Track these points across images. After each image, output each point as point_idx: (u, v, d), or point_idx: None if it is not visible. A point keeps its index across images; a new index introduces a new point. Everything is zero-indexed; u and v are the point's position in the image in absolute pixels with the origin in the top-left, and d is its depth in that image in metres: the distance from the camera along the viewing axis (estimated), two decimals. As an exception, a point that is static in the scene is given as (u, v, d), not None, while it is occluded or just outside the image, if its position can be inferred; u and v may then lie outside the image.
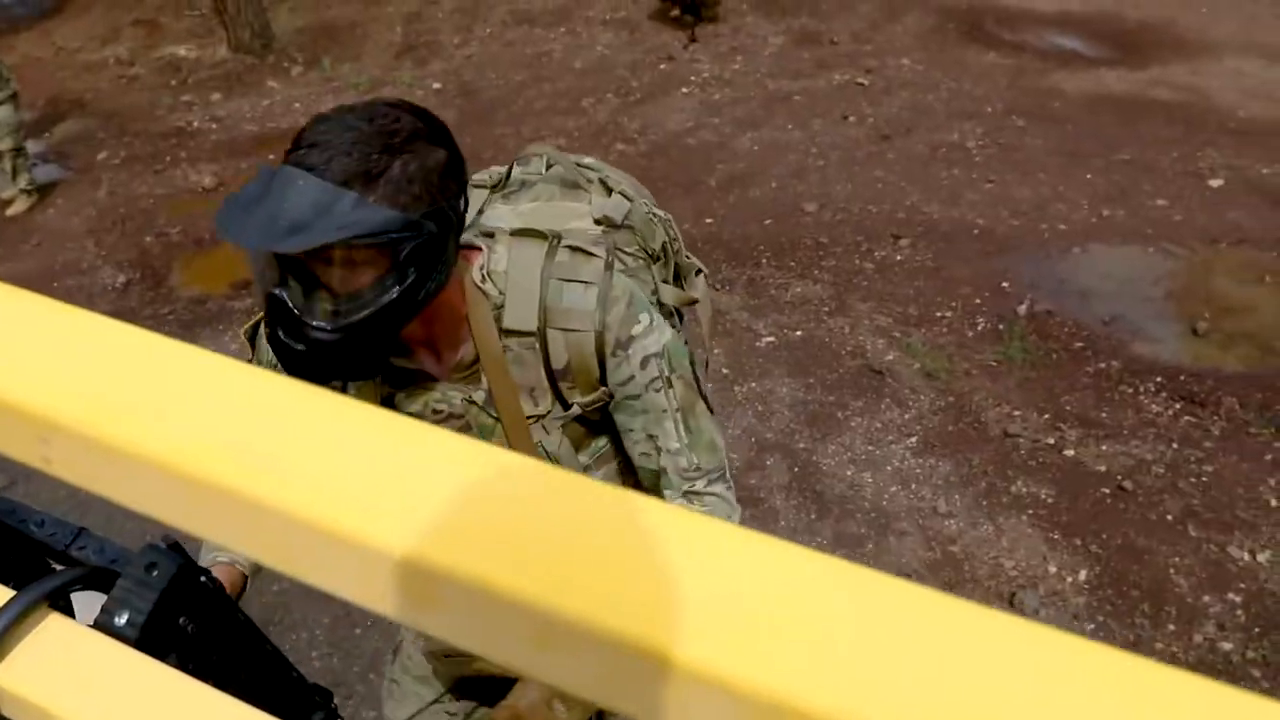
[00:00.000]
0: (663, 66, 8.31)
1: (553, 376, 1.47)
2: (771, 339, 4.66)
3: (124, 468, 0.35)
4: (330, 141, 1.19)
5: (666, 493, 1.56)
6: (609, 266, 1.47)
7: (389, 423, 0.36)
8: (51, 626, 0.56)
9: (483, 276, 1.44)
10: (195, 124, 7.91)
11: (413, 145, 1.22)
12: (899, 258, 5.30)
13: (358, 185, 1.18)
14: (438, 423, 1.49)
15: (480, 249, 1.48)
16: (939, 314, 4.79)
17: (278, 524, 0.33)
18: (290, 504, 0.33)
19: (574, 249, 1.48)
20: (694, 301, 1.78)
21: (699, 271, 1.83)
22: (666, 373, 1.50)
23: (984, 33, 8.56)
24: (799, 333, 4.70)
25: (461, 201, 1.30)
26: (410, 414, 1.46)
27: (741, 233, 5.64)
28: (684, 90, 7.79)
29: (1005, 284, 5.00)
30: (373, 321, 1.25)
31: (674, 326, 1.71)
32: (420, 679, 1.92)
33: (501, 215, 1.59)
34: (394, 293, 1.24)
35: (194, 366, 0.39)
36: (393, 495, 0.33)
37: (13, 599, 0.55)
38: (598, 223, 1.61)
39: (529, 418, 1.50)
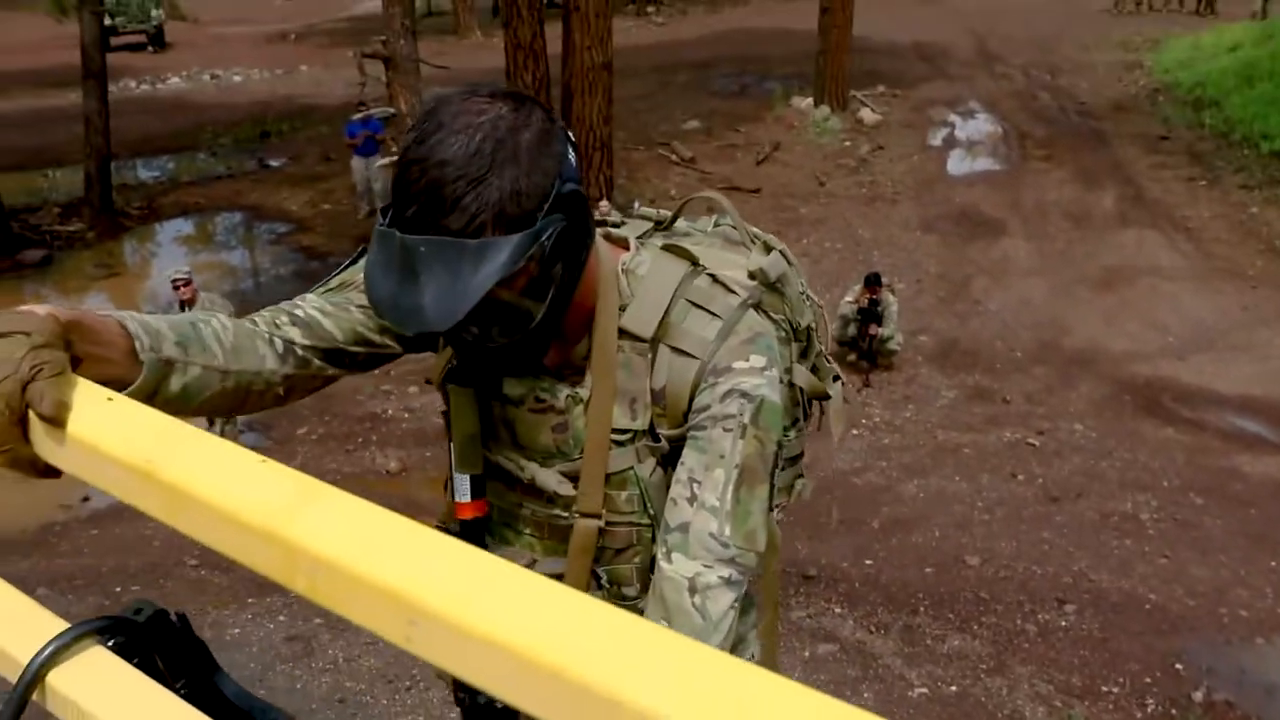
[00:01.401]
0: (834, 406, 8.56)
1: (652, 396, 1.38)
2: (924, 690, 4.50)
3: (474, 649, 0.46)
4: (430, 186, 1.15)
5: (662, 554, 1.34)
6: (745, 306, 1.39)
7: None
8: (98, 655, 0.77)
9: (621, 271, 1.40)
10: (390, 412, 8.50)
11: (504, 147, 1.17)
12: (1063, 624, 5.11)
13: (476, 227, 1.15)
14: (536, 413, 1.43)
15: (629, 247, 1.46)
16: (1105, 688, 4.55)
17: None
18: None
19: (715, 280, 1.41)
20: (826, 396, 1.65)
21: (837, 378, 1.71)
22: (746, 421, 1.32)
23: (1161, 407, 8.54)
24: (954, 688, 4.53)
25: (568, 161, 1.24)
26: (513, 396, 1.44)
27: (901, 578, 5.58)
28: (854, 432, 7.96)
29: (1179, 666, 4.74)
30: (541, 322, 1.26)
31: (796, 419, 1.61)
32: None
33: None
34: (549, 290, 1.25)
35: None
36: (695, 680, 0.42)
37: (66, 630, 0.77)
38: (751, 276, 1.50)
39: (625, 432, 1.39)
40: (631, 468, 1.41)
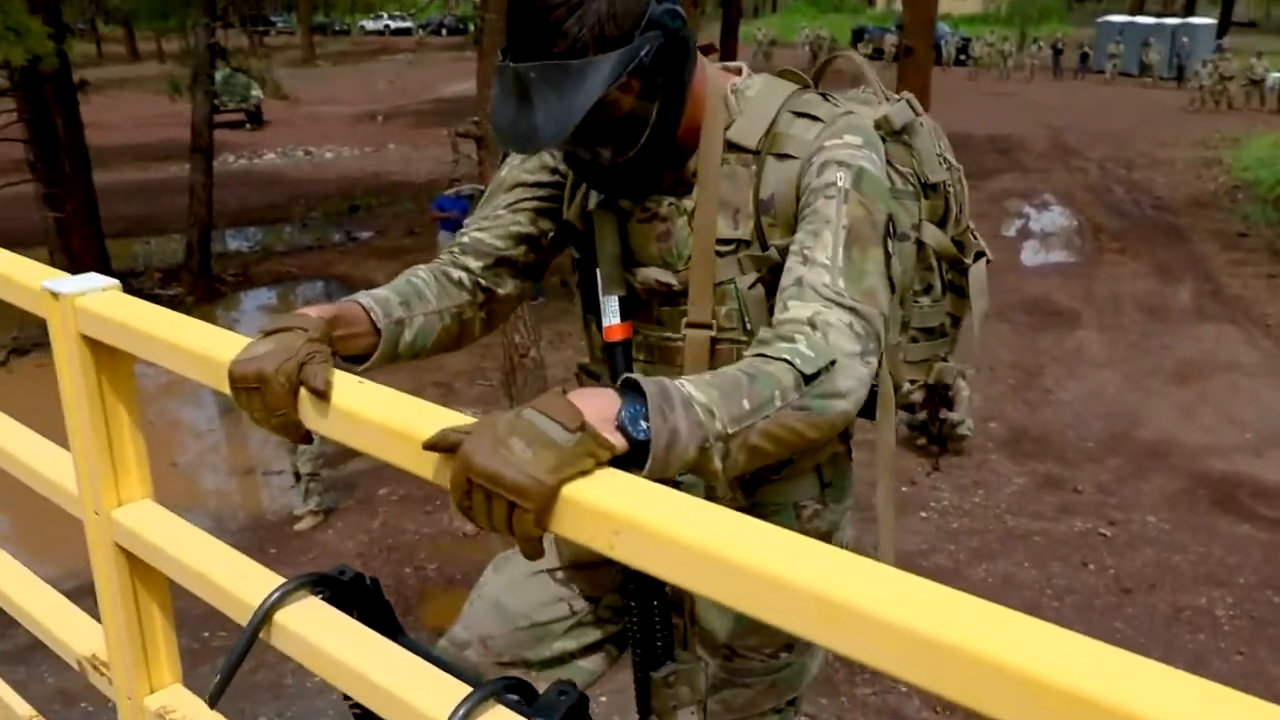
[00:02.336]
0: (904, 489, 8.61)
1: (759, 206, 1.42)
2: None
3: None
4: (535, 15, 1.27)
5: (778, 314, 1.29)
6: (849, 113, 1.43)
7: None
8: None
9: (730, 92, 1.46)
10: (468, 478, 8.73)
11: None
12: (1133, 711, 5.10)
13: (579, 49, 1.26)
14: (643, 222, 1.50)
15: (740, 72, 1.52)
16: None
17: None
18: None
19: (824, 96, 1.46)
20: (961, 263, 1.62)
21: (980, 254, 1.68)
22: (848, 187, 1.34)
23: (1238, 503, 8.45)
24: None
25: None
26: (625, 208, 1.50)
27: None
28: (922, 514, 8.01)
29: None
30: (649, 137, 1.37)
31: (929, 286, 1.61)
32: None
33: None
34: (653, 104, 1.35)
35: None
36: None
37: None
38: (876, 126, 1.50)
39: (728, 241, 1.44)
40: (733, 280, 1.43)
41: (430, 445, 0.94)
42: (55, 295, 1.37)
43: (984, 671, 0.60)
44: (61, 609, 1.73)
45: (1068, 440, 9.66)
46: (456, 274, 1.58)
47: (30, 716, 1.95)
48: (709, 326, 1.45)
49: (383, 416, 1.04)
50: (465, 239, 1.61)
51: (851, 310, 1.26)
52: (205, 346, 1.25)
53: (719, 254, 1.44)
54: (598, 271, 1.53)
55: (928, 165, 1.58)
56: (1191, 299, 13.06)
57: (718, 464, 1.11)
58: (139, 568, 1.46)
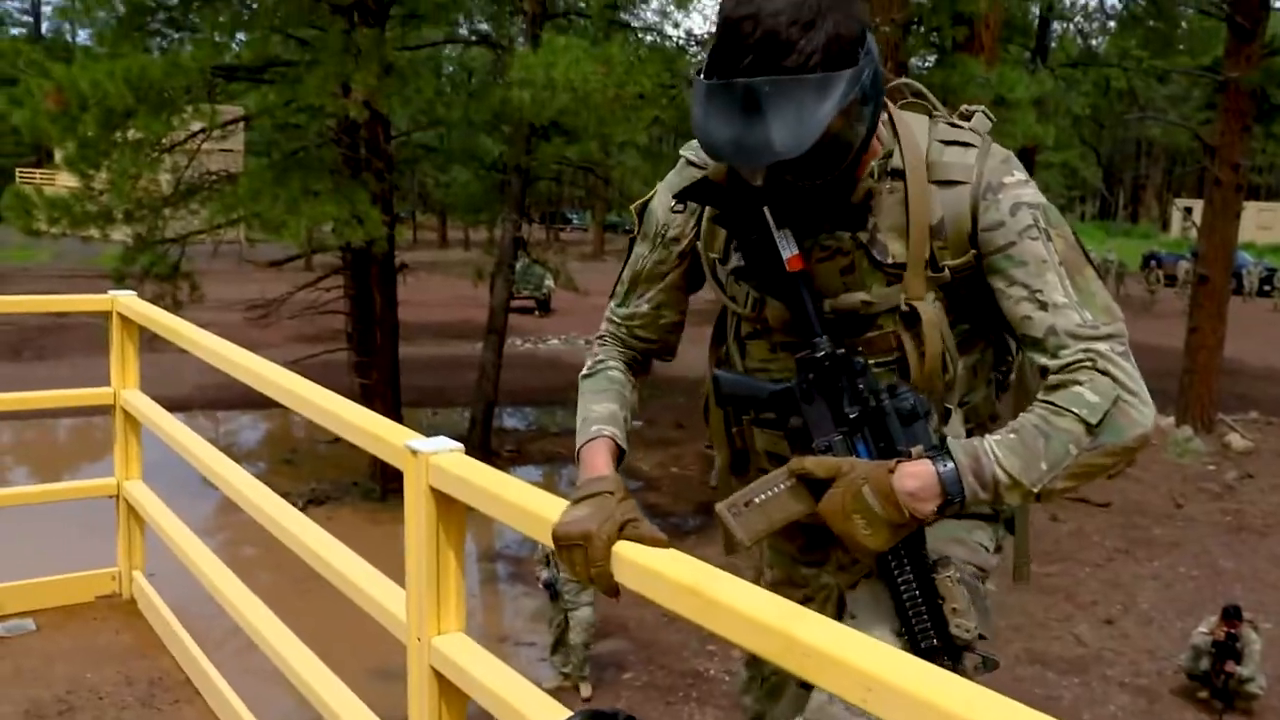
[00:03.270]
0: (1180, 744, 7.87)
1: (931, 231, 1.50)
2: None
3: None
4: (767, 34, 1.30)
5: (1048, 361, 1.44)
6: (985, 135, 1.53)
7: None
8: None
9: (881, 123, 1.51)
10: (712, 671, 8.71)
11: (819, 11, 1.31)
12: None
13: (813, 65, 1.30)
14: (822, 261, 1.53)
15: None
16: None
17: None
18: None
19: (953, 125, 1.56)
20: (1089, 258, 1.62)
21: None
22: (1043, 225, 1.47)
23: None
24: None
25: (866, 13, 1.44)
26: (802, 247, 1.52)
27: None
28: (1201, 776, 7.28)
29: None
30: (853, 159, 1.42)
31: None
32: None
33: None
34: (865, 125, 1.40)
35: None
36: None
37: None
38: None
39: (898, 265, 1.51)
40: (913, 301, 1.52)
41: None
42: (414, 452, 1.64)
43: None
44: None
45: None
46: (632, 361, 1.78)
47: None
48: (934, 300, 1.54)
49: (692, 581, 1.23)
50: (624, 335, 1.79)
51: (1109, 336, 1.43)
52: (533, 504, 1.47)
53: (890, 280, 1.53)
54: (766, 211, 1.52)
55: None
56: None
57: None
58: (448, 690, 1.66)
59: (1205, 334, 15.60)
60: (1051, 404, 1.42)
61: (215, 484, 2.79)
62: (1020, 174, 1.50)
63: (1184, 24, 19.06)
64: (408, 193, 24.41)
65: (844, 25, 1.33)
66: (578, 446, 1.59)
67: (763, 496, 1.44)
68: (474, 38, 17.43)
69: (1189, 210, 29.76)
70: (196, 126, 12.51)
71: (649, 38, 15.61)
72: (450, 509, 1.65)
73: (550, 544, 1.41)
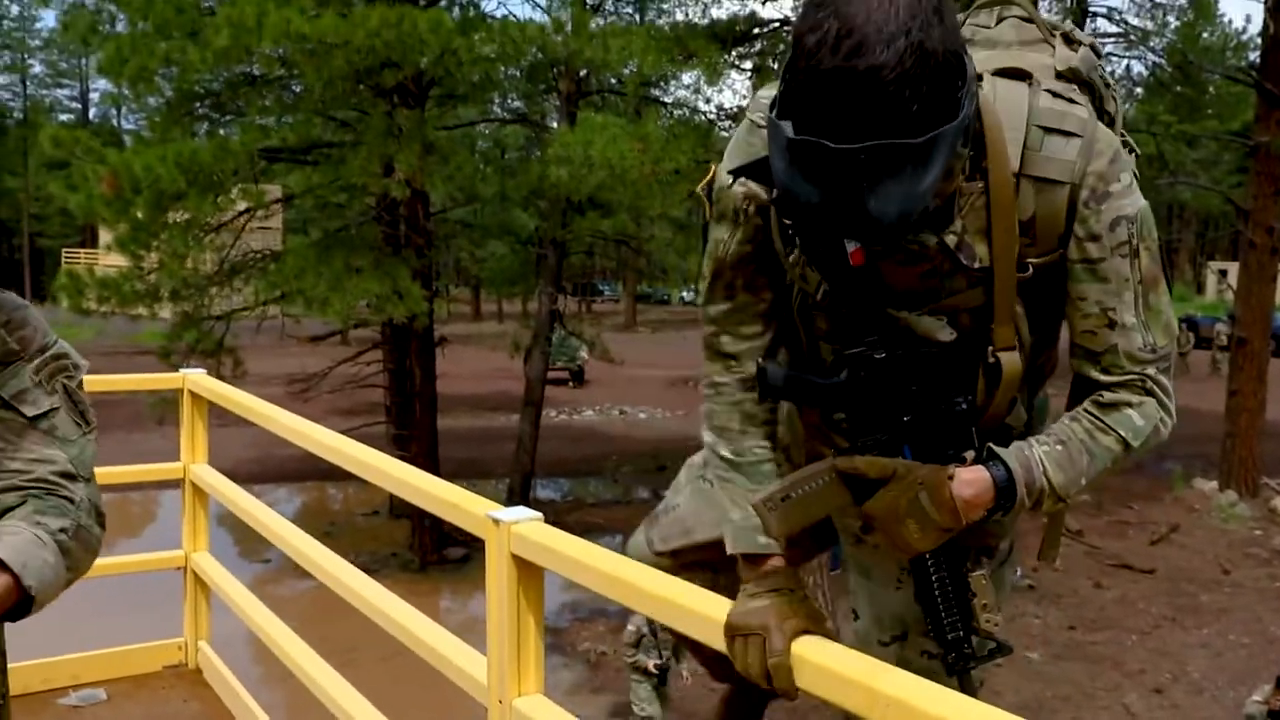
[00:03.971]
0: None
1: (1020, 227, 1.41)
2: None
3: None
4: (866, 93, 1.15)
5: (1099, 375, 1.45)
6: (1094, 119, 1.41)
7: None
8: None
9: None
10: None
11: (927, 43, 1.16)
12: None
13: (915, 125, 1.17)
14: (903, 264, 1.43)
15: None
16: None
17: None
18: None
19: (1056, 95, 1.42)
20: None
21: None
22: (1136, 241, 1.41)
23: None
24: None
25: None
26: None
27: None
28: None
29: None
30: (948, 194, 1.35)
31: None
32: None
33: None
34: (962, 159, 1.32)
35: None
36: None
37: None
38: (1059, 75, 1.47)
39: (978, 269, 1.42)
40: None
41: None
42: (496, 522, 1.74)
43: None
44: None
45: None
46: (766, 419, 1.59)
47: None
48: (1015, 348, 1.49)
49: (879, 684, 1.25)
50: (742, 372, 1.56)
51: (1163, 358, 1.46)
52: (619, 570, 1.55)
53: (972, 283, 1.45)
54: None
55: (1107, 100, 1.57)
56: None
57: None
58: (528, 753, 1.73)
59: (1246, 397, 15.47)
60: (1101, 422, 1.45)
61: (288, 553, 2.89)
62: (1126, 177, 1.41)
63: (1211, 89, 19.17)
64: (443, 268, 24.80)
65: (948, 66, 1.19)
66: (736, 550, 1.50)
67: (802, 491, 1.42)
68: (509, 116, 17.87)
69: (1224, 273, 29.60)
70: (242, 206, 12.88)
71: (678, 111, 15.94)
72: (530, 575, 1.73)
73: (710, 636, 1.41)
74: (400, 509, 14.47)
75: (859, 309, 1.46)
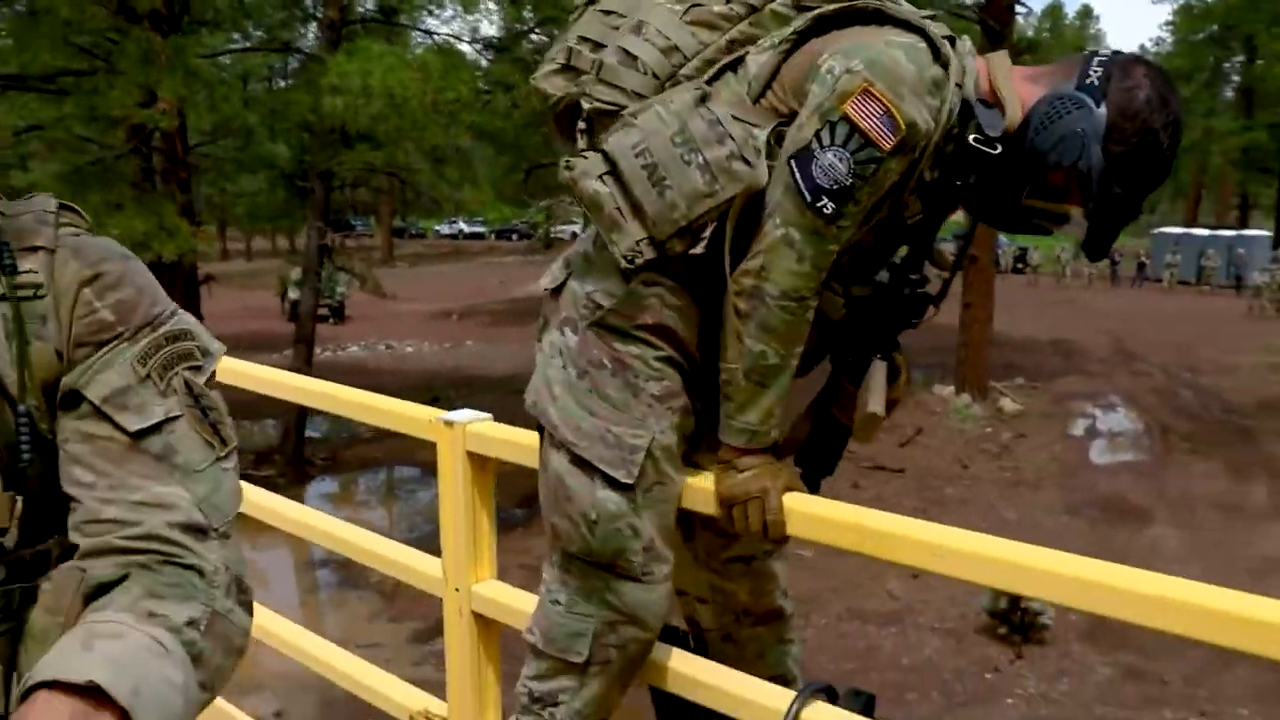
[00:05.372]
0: (988, 676, 8.75)
1: None
2: None
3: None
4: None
5: None
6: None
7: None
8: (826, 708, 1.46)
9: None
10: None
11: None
12: None
13: None
14: None
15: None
16: None
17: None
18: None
19: None
20: None
21: None
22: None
23: (1327, 699, 8.46)
24: None
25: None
26: None
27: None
28: (1009, 700, 8.14)
29: None
30: None
31: None
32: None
33: None
34: None
35: None
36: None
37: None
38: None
39: None
40: None
41: None
42: (449, 424, 1.90)
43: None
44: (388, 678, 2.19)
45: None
46: None
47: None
48: None
49: (855, 518, 1.51)
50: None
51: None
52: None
53: None
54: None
55: None
56: (1267, 498, 13.19)
57: None
58: (486, 631, 1.93)
59: (977, 309, 16.98)
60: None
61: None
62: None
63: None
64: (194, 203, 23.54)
65: None
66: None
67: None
68: (276, 45, 17.04)
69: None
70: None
71: (440, 39, 15.67)
72: (483, 471, 1.91)
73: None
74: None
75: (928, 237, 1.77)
